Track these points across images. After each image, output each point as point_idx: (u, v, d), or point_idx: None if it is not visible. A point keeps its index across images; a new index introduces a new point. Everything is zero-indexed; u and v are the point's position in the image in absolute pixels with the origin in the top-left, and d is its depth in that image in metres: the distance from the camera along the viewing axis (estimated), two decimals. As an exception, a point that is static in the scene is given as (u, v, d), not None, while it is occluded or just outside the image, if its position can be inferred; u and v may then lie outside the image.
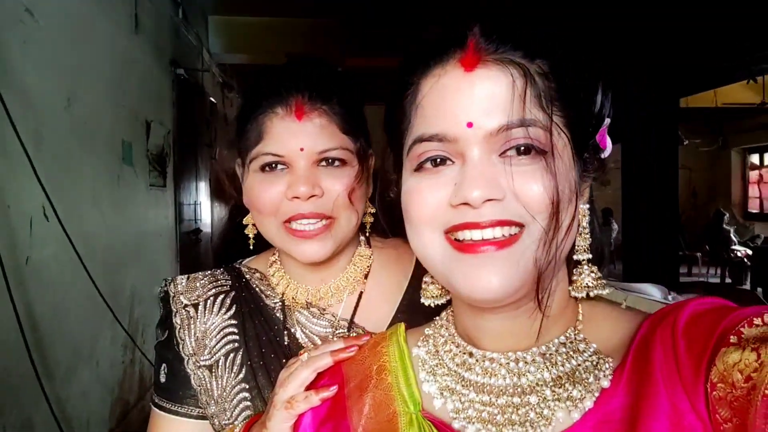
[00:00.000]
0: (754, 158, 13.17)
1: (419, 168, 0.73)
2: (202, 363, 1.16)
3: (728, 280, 10.40)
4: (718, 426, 0.58)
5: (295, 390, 0.89)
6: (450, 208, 0.70)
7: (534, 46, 0.70)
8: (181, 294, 1.22)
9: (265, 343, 1.15)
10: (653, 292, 1.82)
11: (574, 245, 0.75)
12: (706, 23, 5.82)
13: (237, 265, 1.30)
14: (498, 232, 0.68)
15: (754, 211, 12.97)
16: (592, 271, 0.75)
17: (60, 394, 2.94)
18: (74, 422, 3.11)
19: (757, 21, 5.55)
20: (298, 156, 1.06)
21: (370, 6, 5.97)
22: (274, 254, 1.27)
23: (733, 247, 10.30)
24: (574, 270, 0.76)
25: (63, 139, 3.05)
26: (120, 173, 3.91)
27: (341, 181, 1.09)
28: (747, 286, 9.63)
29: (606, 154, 0.78)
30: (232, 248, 1.35)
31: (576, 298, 0.78)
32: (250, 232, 1.22)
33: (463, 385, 0.77)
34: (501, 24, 0.72)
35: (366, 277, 1.22)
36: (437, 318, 0.90)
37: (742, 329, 0.59)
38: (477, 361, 0.77)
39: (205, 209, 6.48)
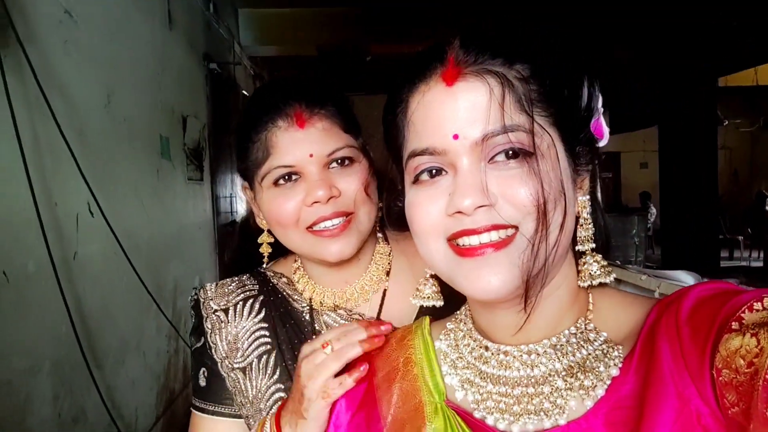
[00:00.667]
0: (798, 136, 12.76)
1: (417, 180, 0.77)
2: (235, 366, 1.19)
3: (772, 262, 10.12)
4: (726, 410, 0.59)
5: (325, 380, 0.92)
6: (447, 216, 0.73)
7: (513, 52, 0.73)
8: (211, 300, 1.24)
9: (297, 345, 1.17)
10: (687, 279, 1.80)
11: (575, 237, 0.77)
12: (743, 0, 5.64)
13: (262, 270, 1.33)
14: (494, 236, 0.71)
15: (799, 191, 12.57)
16: (596, 260, 0.77)
17: (109, 383, 3.04)
18: (123, 410, 3.21)
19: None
20: (309, 163, 1.10)
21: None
22: (296, 260, 1.29)
23: (777, 228, 10.01)
24: (579, 260, 0.79)
25: (104, 135, 3.12)
26: (159, 167, 3.98)
27: (355, 177, 1.13)
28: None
29: (603, 142, 0.80)
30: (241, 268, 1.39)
31: (586, 288, 0.80)
32: (264, 251, 1.27)
33: (481, 378, 0.80)
34: (480, 34, 0.75)
35: (387, 274, 1.25)
36: (458, 312, 0.93)
37: (743, 315, 0.60)
38: (492, 354, 0.81)
39: (240, 201, 6.56)
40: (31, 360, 2.38)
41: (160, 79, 4.09)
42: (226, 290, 1.26)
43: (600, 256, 0.77)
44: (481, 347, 0.83)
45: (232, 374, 1.19)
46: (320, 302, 1.22)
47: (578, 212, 0.77)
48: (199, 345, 1.23)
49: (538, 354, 0.77)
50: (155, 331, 3.80)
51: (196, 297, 1.27)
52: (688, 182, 7.59)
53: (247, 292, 1.26)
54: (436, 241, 0.76)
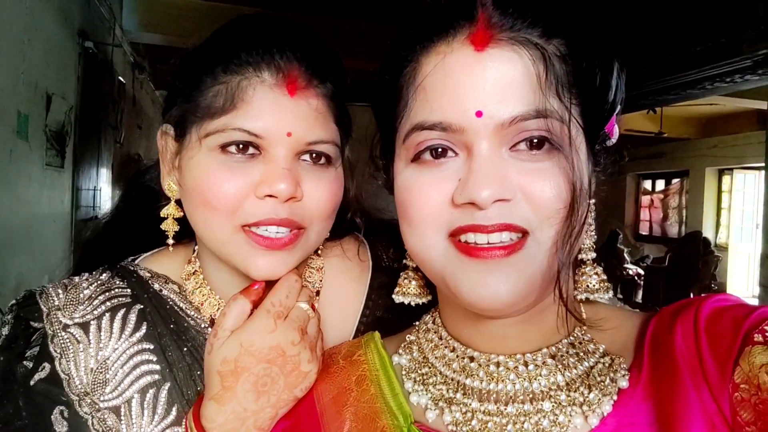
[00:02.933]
0: (647, 184, 14.13)
1: (417, 158, 0.65)
2: (103, 405, 0.87)
3: (620, 296, 11.03)
4: (740, 428, 0.55)
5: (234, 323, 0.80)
6: (453, 206, 0.63)
7: (552, 24, 0.63)
8: (59, 309, 0.90)
9: (200, 377, 0.89)
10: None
11: None
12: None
13: (131, 267, 1.00)
14: (505, 237, 0.61)
15: (645, 233, 13.93)
16: (597, 273, 0.69)
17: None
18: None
19: (655, 53, 5.92)
20: (282, 142, 0.83)
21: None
22: (191, 261, 1.00)
23: (626, 265, 10.94)
24: (578, 270, 0.71)
25: (-53, 102, 2.68)
26: (13, 148, 3.53)
27: (325, 184, 0.89)
28: (639, 301, 10.30)
29: (613, 141, 0.72)
30: (114, 248, 1.05)
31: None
32: (169, 228, 0.95)
33: (463, 394, 0.69)
34: None
35: (318, 294, 1.02)
36: (419, 323, 0.82)
37: (767, 327, 0.56)
38: (480, 365, 0.70)
39: (105, 196, 6.03)
40: None
41: (25, 49, 3.63)
42: (82, 296, 0.92)
43: (600, 268, 0.69)
44: (464, 358, 0.71)
45: (97, 416, 0.86)
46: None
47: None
48: (43, 375, 0.87)
49: (536, 365, 0.68)
50: (-10, 333, 3.31)
51: (23, 301, 0.92)
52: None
53: (116, 300, 0.93)
54: (435, 234, 0.64)
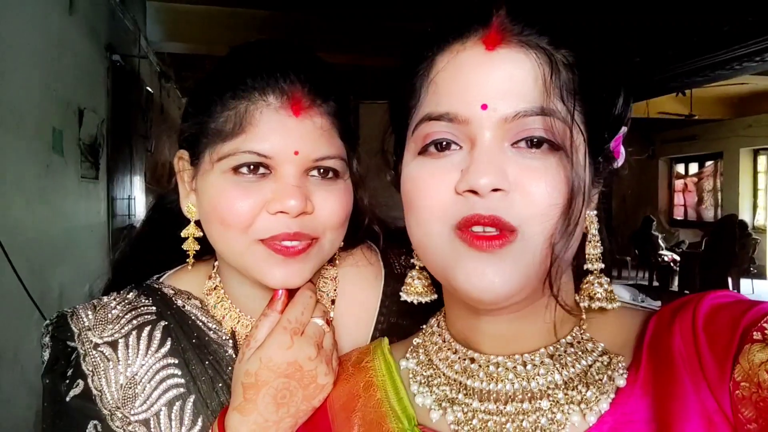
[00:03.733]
0: (680, 168, 13.86)
1: (423, 151, 0.68)
2: (133, 418, 0.91)
3: (656, 283, 10.86)
4: (742, 426, 0.56)
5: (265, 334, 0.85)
6: (456, 197, 0.65)
7: (561, 34, 0.66)
8: (89, 330, 0.95)
9: (222, 389, 0.94)
10: (623, 293, 1.81)
11: (578, 253, 0.71)
12: (640, 36, 6.03)
13: (155, 285, 1.05)
14: (494, 231, 0.63)
15: (679, 218, 13.67)
16: (601, 283, 0.70)
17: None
18: (-5, 430, 2.86)
19: (685, 35, 5.80)
20: (289, 160, 0.87)
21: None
22: (212, 276, 1.04)
23: (660, 252, 10.77)
24: (583, 278, 0.72)
25: (-14, 122, 2.80)
26: (49, 163, 3.64)
27: (335, 196, 0.92)
28: (675, 289, 10.12)
29: (619, 163, 0.75)
30: (141, 268, 1.11)
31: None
32: (190, 248, 1.00)
33: (465, 394, 0.72)
34: (528, 6, 0.67)
35: (333, 303, 1.05)
36: (425, 326, 0.85)
37: (765, 324, 0.57)
38: (480, 366, 0.72)
39: (139, 204, 6.18)
40: None
41: (56, 66, 3.75)
42: (110, 315, 0.97)
43: (607, 279, 0.70)
44: (465, 359, 0.74)
45: (129, 429, 0.91)
46: (246, 335, 0.96)
47: (586, 228, 0.70)
48: (78, 392, 0.92)
49: (534, 365, 0.70)
50: (37, 342, 3.43)
51: (56, 323, 0.97)
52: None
53: (142, 317, 0.97)
54: (441, 227, 0.66)
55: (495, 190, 0.62)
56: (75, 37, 4.18)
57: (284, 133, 0.87)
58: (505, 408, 0.69)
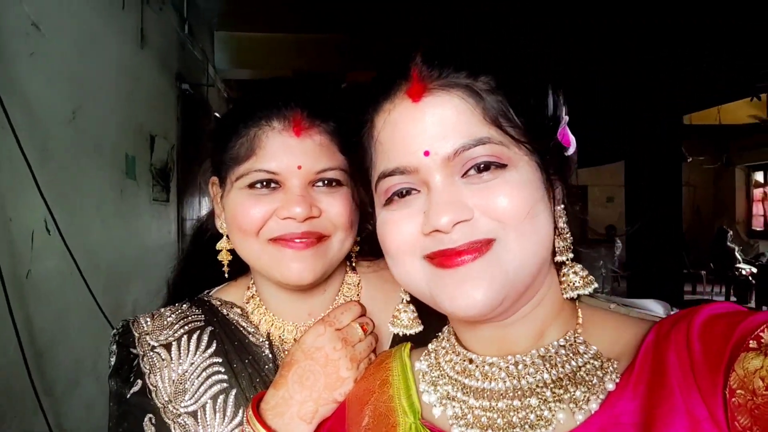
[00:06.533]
0: (758, 176, 13.17)
1: (389, 202, 0.75)
2: (182, 410, 1.04)
3: (733, 299, 10.31)
4: None
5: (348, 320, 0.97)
6: (423, 236, 0.71)
7: (477, 64, 0.72)
8: (148, 334, 1.09)
9: (259, 384, 1.06)
10: (656, 308, 1.80)
11: (554, 249, 0.76)
12: (709, 40, 5.83)
13: (205, 298, 1.19)
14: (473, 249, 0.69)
15: (759, 229, 12.95)
16: (575, 271, 0.76)
17: (61, 406, 2.91)
18: (76, 436, 3.07)
19: (760, 38, 5.56)
20: (294, 174, 1.01)
21: (374, 21, 6.01)
22: (250, 287, 1.18)
23: (738, 265, 10.23)
24: (560, 272, 0.78)
25: (67, 151, 3.04)
26: (123, 187, 3.90)
27: (340, 200, 1.05)
28: (752, 305, 9.56)
29: (570, 151, 0.80)
30: (192, 283, 1.25)
31: (573, 301, 0.80)
32: (224, 258, 1.15)
33: (463, 392, 0.78)
34: (442, 47, 0.74)
35: None
36: (440, 333, 0.91)
37: (761, 333, 0.58)
38: (477, 366, 0.78)
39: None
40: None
41: (130, 96, 4.01)
42: (165, 322, 1.11)
43: (579, 266, 0.76)
44: (465, 360, 0.81)
45: (179, 420, 1.03)
46: (279, 337, 1.11)
47: (554, 222, 0.75)
48: (137, 389, 1.05)
49: (525, 365, 0.75)
50: (111, 355, 3.66)
51: (121, 330, 1.10)
52: (652, 217, 7.73)
53: (192, 324, 1.11)
54: (412, 259, 0.74)
55: (458, 223, 0.68)
56: (147, 69, 4.45)
57: (288, 152, 1.01)
58: (497, 405, 0.74)
